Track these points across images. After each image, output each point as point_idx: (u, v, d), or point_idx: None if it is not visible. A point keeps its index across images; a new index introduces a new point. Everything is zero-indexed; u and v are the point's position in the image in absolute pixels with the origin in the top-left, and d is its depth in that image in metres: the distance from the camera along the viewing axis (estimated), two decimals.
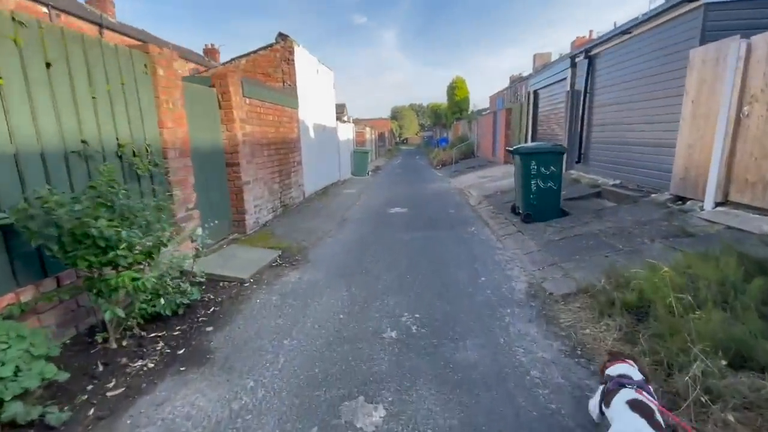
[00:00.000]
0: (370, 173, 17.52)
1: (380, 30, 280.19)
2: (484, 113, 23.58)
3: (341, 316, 3.38)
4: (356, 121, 25.86)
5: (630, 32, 6.50)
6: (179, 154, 4.32)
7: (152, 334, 3.10)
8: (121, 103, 3.54)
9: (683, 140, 5.20)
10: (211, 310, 3.58)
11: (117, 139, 3.46)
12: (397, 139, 73.17)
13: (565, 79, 9.27)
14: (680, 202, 5.25)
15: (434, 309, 3.47)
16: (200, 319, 3.40)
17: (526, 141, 12.38)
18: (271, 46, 8.55)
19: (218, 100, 5.57)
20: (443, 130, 42.44)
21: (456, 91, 32.59)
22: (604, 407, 1.79)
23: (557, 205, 6.24)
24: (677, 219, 4.79)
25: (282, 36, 8.49)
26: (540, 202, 6.17)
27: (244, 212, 5.99)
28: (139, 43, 3.82)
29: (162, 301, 3.22)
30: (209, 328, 3.24)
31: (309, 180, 9.66)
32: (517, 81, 45.23)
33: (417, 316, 3.35)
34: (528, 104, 12.11)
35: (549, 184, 6.13)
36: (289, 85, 8.65)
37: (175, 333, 3.15)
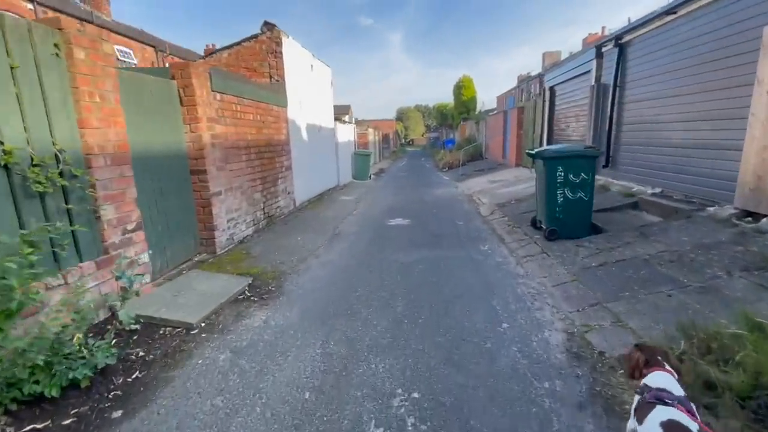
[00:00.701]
0: (372, 177, 16.55)
1: (387, 32, 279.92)
2: (492, 113, 22.48)
3: (307, 394, 2.37)
4: (359, 123, 24.90)
5: (675, 12, 5.43)
6: (111, 161, 3.36)
7: (28, 427, 2.13)
8: (9, 93, 2.58)
9: (754, 141, 4.12)
10: (134, 376, 2.60)
11: (0, 143, 2.51)
12: (403, 140, 72.28)
13: (588, 72, 8.20)
14: (750, 219, 4.18)
15: (440, 382, 2.46)
16: (111, 394, 2.42)
17: (541, 142, 11.31)
18: (255, 37, 7.61)
19: (179, 95, 4.62)
20: (450, 131, 41.35)
21: (463, 90, 31.49)
22: (636, 424, 1.54)
23: (588, 220, 5.19)
24: (754, 242, 3.72)
25: (268, 25, 7.55)
26: (567, 215, 5.13)
27: (213, 228, 5.03)
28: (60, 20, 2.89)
29: (56, 371, 2.27)
30: (117, 414, 2.26)
31: (301, 186, 8.70)
32: (525, 80, 44.02)
33: (415, 396, 2.33)
34: (543, 102, 11.04)
35: (579, 195, 5.09)
36: (277, 81, 7.70)
37: (65, 423, 2.18)
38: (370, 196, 10.76)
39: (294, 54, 8.42)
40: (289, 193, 7.91)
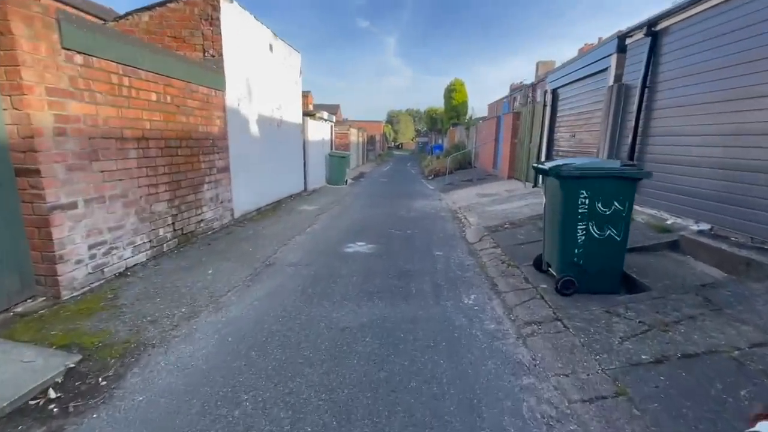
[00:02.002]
0: (348, 182, 14.84)
1: (382, 35, 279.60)
2: (485, 119, 21.07)
3: None
4: (340, 122, 23.16)
5: None
6: None
7: None
8: None
9: None
10: None
11: None
12: (391, 143, 70.91)
13: (604, 70, 6.69)
14: None
15: None
16: None
17: (539, 154, 9.79)
18: None
19: None
20: (439, 136, 39.99)
21: (454, 94, 30.08)
22: None
23: (619, 268, 3.61)
24: None
25: None
26: (590, 260, 3.54)
27: (54, 260, 3.25)
28: None
29: None
30: None
31: (245, 193, 6.93)
32: (518, 89, 43.09)
33: None
34: (544, 106, 9.54)
35: (609, 232, 3.50)
36: (212, 56, 5.93)
37: None
38: (338, 207, 9.03)
39: (241, 25, 6.67)
40: (222, 202, 6.13)
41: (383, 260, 4.91)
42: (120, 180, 3.93)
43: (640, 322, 2.94)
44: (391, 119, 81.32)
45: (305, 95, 43.80)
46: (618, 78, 6.26)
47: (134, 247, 4.19)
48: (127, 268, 4.09)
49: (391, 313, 3.41)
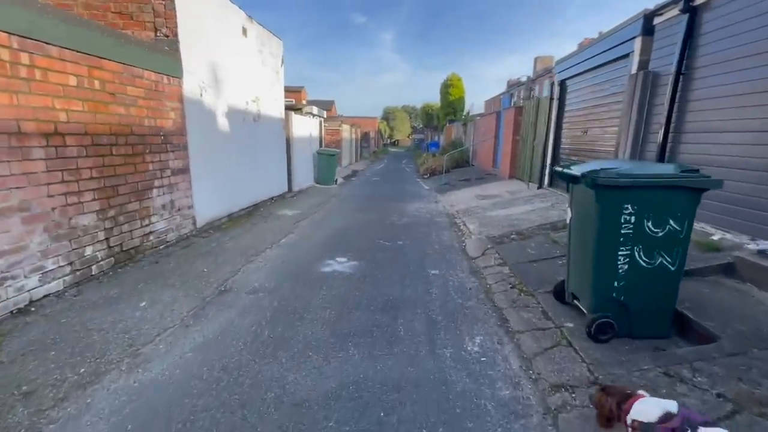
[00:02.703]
0: (339, 181, 13.92)
1: (379, 31, 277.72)
2: (484, 115, 20.20)
3: None
4: (331, 118, 22.20)
5: None
6: None
7: None
8: None
9: None
10: None
11: None
12: (386, 140, 69.98)
13: (626, 56, 5.81)
14: None
15: None
16: None
17: (544, 152, 8.91)
18: None
19: None
20: (435, 133, 39.08)
21: (450, 89, 29.11)
22: None
23: (671, 307, 2.74)
24: None
25: None
26: (635, 296, 2.68)
27: None
28: None
29: None
30: None
31: (210, 197, 6.00)
32: (515, 85, 42.23)
33: None
34: (551, 99, 8.66)
35: (660, 260, 2.63)
36: (166, 36, 4.98)
37: None
38: (323, 211, 8.12)
39: (204, 4, 5.72)
40: (179, 209, 5.20)
41: (366, 284, 4.01)
42: (16, 188, 3.00)
43: (719, 396, 2.07)
44: (387, 115, 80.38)
45: (298, 90, 42.71)
46: (643, 65, 5.38)
47: (43, 273, 3.26)
48: (31, 302, 3.17)
49: (369, 371, 2.51)
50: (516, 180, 11.20)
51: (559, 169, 3.08)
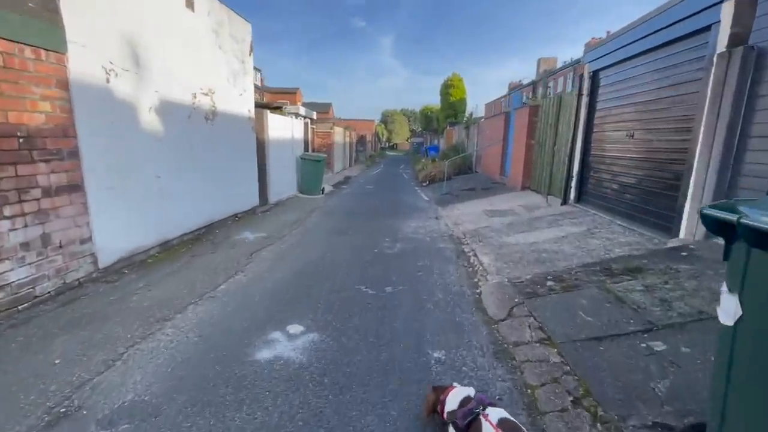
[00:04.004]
0: (326, 189, 12.28)
1: (379, 35, 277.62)
2: (489, 116, 18.60)
3: None
4: (321, 119, 20.60)
5: None
6: None
7: None
8: None
9: None
10: None
11: None
12: (384, 144, 68.64)
13: (706, 29, 4.18)
14: None
15: None
16: None
17: (571, 160, 7.27)
18: None
19: None
20: (435, 137, 37.53)
21: (451, 90, 27.51)
22: None
23: None
24: None
25: None
26: None
27: None
28: None
29: None
30: None
31: (132, 222, 4.33)
32: (517, 87, 40.79)
33: None
34: (579, 95, 7.03)
35: None
36: None
37: None
38: (295, 234, 6.45)
39: None
40: (62, 246, 3.52)
41: (324, 392, 2.33)
42: None
43: None
44: (386, 119, 79.15)
45: (293, 92, 41.04)
46: (737, 39, 3.75)
47: None
48: None
49: None
50: (530, 192, 9.56)
51: (715, 213, 1.42)
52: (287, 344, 2.87)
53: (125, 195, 4.30)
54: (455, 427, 1.72)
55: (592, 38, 28.12)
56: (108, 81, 4.01)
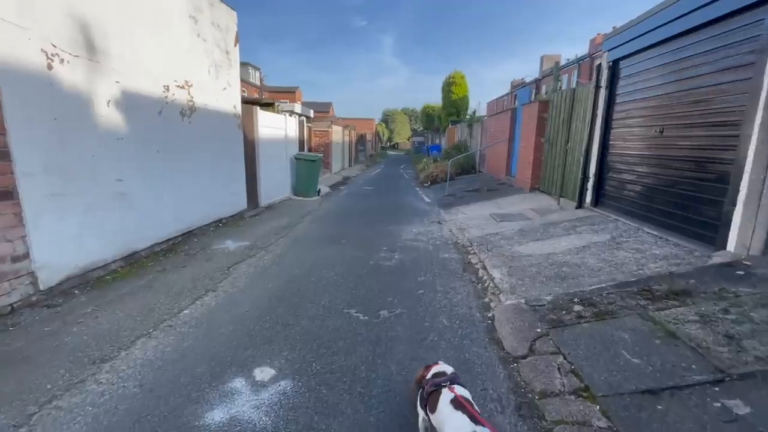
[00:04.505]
0: (322, 191, 11.64)
1: (379, 34, 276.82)
2: (494, 113, 17.95)
3: None
4: (318, 118, 20.01)
5: None
6: None
7: None
8: None
9: None
10: None
11: None
12: (385, 143, 68.03)
13: (754, 5, 3.52)
14: None
15: None
16: None
17: (587, 159, 6.60)
18: None
19: None
20: (436, 136, 36.84)
21: (453, 87, 26.81)
22: (429, 413, 1.69)
23: None
24: None
25: None
26: None
27: None
28: None
29: None
30: None
31: (87, 232, 3.71)
32: (519, 85, 39.99)
33: None
34: (597, 88, 6.37)
35: None
36: None
37: None
38: (282, 242, 5.81)
39: None
40: None
41: None
42: None
43: None
44: (387, 118, 78.55)
45: (292, 91, 40.49)
46: None
47: None
48: None
49: None
50: (540, 193, 8.90)
51: None
52: (250, 398, 2.23)
53: (76, 202, 3.68)
54: (422, 394, 1.80)
55: (598, 34, 27.39)
56: (50, 68, 3.39)
